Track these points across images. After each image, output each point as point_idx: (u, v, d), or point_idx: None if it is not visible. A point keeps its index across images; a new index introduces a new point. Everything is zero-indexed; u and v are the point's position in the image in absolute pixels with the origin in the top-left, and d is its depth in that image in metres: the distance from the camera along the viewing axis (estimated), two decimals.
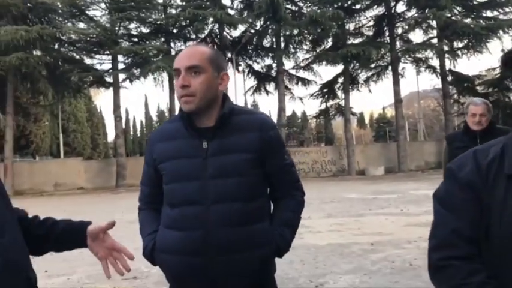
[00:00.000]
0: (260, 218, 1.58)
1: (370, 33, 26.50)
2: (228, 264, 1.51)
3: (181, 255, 1.52)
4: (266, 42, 26.81)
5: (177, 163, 1.56)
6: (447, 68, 25.66)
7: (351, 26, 26.43)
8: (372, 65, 26.39)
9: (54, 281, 4.99)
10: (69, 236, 1.36)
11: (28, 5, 22.45)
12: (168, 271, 1.61)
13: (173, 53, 25.38)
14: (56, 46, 24.38)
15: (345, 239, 6.54)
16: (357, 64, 25.79)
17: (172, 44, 26.12)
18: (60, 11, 23.63)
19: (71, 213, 12.33)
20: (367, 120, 68.77)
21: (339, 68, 26.15)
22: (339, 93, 27.32)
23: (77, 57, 25.27)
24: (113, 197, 18.39)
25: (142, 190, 1.75)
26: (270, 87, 28.23)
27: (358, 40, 26.19)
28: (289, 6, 25.90)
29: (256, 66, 28.33)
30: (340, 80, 26.81)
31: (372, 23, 26.38)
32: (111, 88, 24.74)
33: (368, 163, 25.34)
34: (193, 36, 26.14)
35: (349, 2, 24.60)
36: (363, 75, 27.45)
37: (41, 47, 22.73)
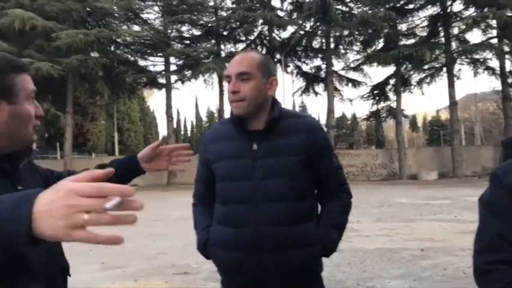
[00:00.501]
0: (307, 218, 1.63)
1: (424, 33, 25.63)
2: (275, 261, 1.57)
3: (232, 250, 1.61)
4: (315, 43, 26.66)
5: (229, 163, 1.64)
6: (507, 70, 24.36)
7: (403, 27, 25.71)
8: (426, 67, 25.50)
9: (110, 273, 5.22)
10: (125, 173, 1.49)
11: (87, 9, 23.60)
12: (218, 265, 1.70)
13: (223, 54, 25.81)
14: (112, 48, 25.46)
15: (394, 244, 6.39)
16: (410, 65, 25.03)
17: (222, 46, 26.57)
18: (116, 15, 24.65)
19: None
20: (420, 123, 66.50)
21: (391, 69, 25.53)
22: (391, 95, 26.63)
23: (132, 59, 26.25)
24: (164, 194, 18.95)
25: (196, 187, 1.85)
26: (319, 88, 28.05)
27: (411, 41, 25.42)
28: (339, 7, 25.59)
29: (305, 68, 28.25)
30: (392, 81, 26.13)
31: (425, 23, 25.52)
32: (163, 89, 25.49)
33: (420, 167, 24.52)
34: (243, 38, 26.45)
35: (401, 2, 23.92)
36: (415, 77, 26.60)
37: (98, 49, 23.83)
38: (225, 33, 26.03)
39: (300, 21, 24.52)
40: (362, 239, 6.91)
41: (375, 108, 27.64)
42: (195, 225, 1.80)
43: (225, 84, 1.70)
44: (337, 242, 1.68)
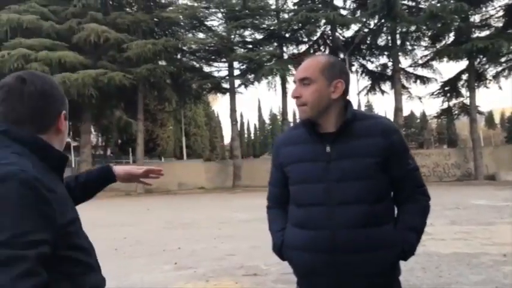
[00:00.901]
0: (384, 220, 1.61)
1: (500, 24, 23.99)
2: (353, 264, 1.56)
3: (308, 252, 1.60)
4: (381, 41, 25.91)
5: (302, 166, 1.65)
6: None
7: (476, 18, 24.22)
8: (503, 59, 23.83)
9: (182, 273, 5.37)
10: (101, 185, 1.66)
11: (155, 20, 24.67)
12: (295, 266, 1.70)
13: (285, 56, 25.83)
14: (179, 56, 26.42)
15: (472, 249, 6.01)
16: (484, 59, 23.56)
17: (284, 48, 26.61)
18: (182, 24, 25.54)
19: (193, 210, 13.22)
20: (497, 120, 62.35)
21: (463, 64, 24.16)
22: (463, 91, 25.23)
23: (197, 65, 27.07)
24: (230, 196, 19.26)
25: (270, 190, 1.86)
26: (386, 86, 27.23)
27: (485, 33, 23.88)
28: (405, 2, 24.68)
29: (370, 66, 27.56)
30: (464, 76, 24.73)
31: (501, 13, 23.87)
32: (227, 93, 26.00)
33: (499, 167, 22.95)
34: (305, 39, 26.31)
35: None
36: (491, 71, 24.93)
37: (166, 57, 24.82)
38: (287, 35, 26.06)
39: (364, 19, 23.95)
40: (436, 242, 6.57)
41: (446, 105, 26.37)
42: (270, 227, 1.81)
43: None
44: (416, 245, 1.65)
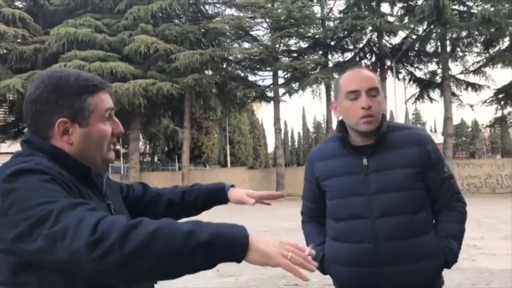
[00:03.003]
0: (425, 230, 1.63)
1: None
2: (396, 275, 1.58)
3: (351, 266, 1.63)
4: (429, 47, 25.16)
5: (340, 180, 1.67)
6: None
7: None
8: None
9: (225, 281, 5.46)
10: (209, 206, 1.51)
11: (202, 30, 25.25)
12: (337, 280, 1.72)
13: (330, 65, 25.64)
14: (224, 66, 26.84)
15: None
16: None
17: (329, 56, 26.43)
18: (228, 34, 25.97)
19: (236, 218, 13.34)
20: None
21: None
22: None
23: (242, 74, 27.39)
24: (273, 205, 19.21)
25: (305, 205, 1.88)
26: (435, 94, 26.35)
27: None
28: (456, 7, 23.90)
29: (419, 73, 26.80)
30: None
31: None
32: (271, 102, 26.12)
33: None
34: (351, 47, 26.02)
35: None
36: None
37: (212, 67, 25.29)
38: (332, 43, 25.89)
39: (412, 25, 23.40)
40: (487, 257, 6.30)
41: (500, 113, 25.22)
42: (306, 241, 1.82)
43: (342, 99, 1.67)
44: (458, 253, 1.66)
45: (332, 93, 1.77)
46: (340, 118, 1.73)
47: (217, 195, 1.50)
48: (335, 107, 1.74)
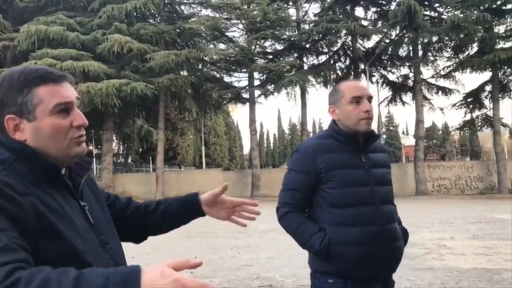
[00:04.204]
0: (395, 217, 2.04)
1: None
2: (392, 251, 1.92)
3: (360, 246, 1.86)
4: (402, 52, 25.74)
5: (348, 171, 1.92)
6: None
7: (500, 29, 23.85)
8: None
9: None
10: (184, 212, 1.46)
11: (177, 31, 25.06)
12: (349, 261, 1.87)
13: (305, 67, 25.86)
14: (200, 66, 26.71)
15: (494, 264, 5.89)
16: (508, 70, 23.16)
17: (304, 59, 26.66)
18: (203, 35, 25.87)
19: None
20: None
21: (486, 75, 23.80)
22: (486, 102, 24.83)
23: (218, 76, 27.32)
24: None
25: (293, 195, 1.99)
26: (407, 97, 26.93)
27: (509, 44, 23.49)
28: (427, 13, 24.49)
29: (391, 77, 27.34)
30: (488, 88, 24.34)
31: None
32: (247, 103, 26.15)
33: None
34: (326, 50, 26.33)
35: (498, 3, 22.23)
36: None
37: (187, 68, 25.13)
38: (307, 46, 26.12)
39: (385, 30, 23.85)
40: (457, 257, 6.46)
41: (469, 117, 25.97)
42: (299, 229, 1.93)
43: (344, 103, 1.96)
44: (408, 236, 2.09)
45: (328, 99, 1.96)
46: (333, 120, 2.02)
47: (188, 199, 1.47)
48: (333, 111, 2.00)
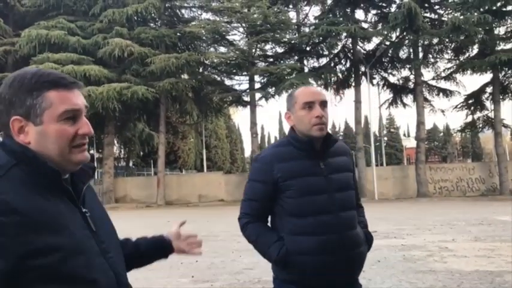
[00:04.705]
0: (357, 222, 1.98)
1: None
2: (354, 258, 1.88)
3: (319, 255, 1.83)
4: (402, 54, 25.79)
5: (305, 180, 1.87)
6: None
7: (501, 30, 23.88)
8: None
9: (200, 286, 5.41)
10: (154, 252, 1.46)
11: (178, 34, 25.12)
12: (304, 270, 1.84)
13: (306, 70, 25.89)
14: (201, 70, 26.77)
15: (496, 266, 5.87)
16: (509, 71, 23.17)
17: (305, 62, 26.68)
18: (204, 38, 25.93)
19: (212, 223, 13.25)
20: None
21: (487, 76, 23.83)
22: (488, 104, 24.83)
23: (218, 79, 27.37)
24: (228, 209, 19.18)
25: (251, 205, 1.99)
26: (407, 99, 26.96)
27: (510, 45, 23.50)
28: (427, 15, 24.53)
29: (392, 79, 27.38)
30: (489, 89, 24.35)
31: None
32: (248, 106, 26.17)
33: None
34: (326, 53, 26.35)
35: (498, 5, 22.25)
36: None
37: (188, 71, 25.19)
38: (308, 48, 26.16)
39: (386, 32, 23.89)
40: (458, 259, 6.44)
41: (470, 118, 25.97)
42: (259, 239, 1.94)
43: (297, 109, 1.92)
44: (373, 240, 2.06)
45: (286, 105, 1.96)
46: (291, 126, 1.98)
47: (158, 240, 1.46)
48: (288, 117, 1.98)
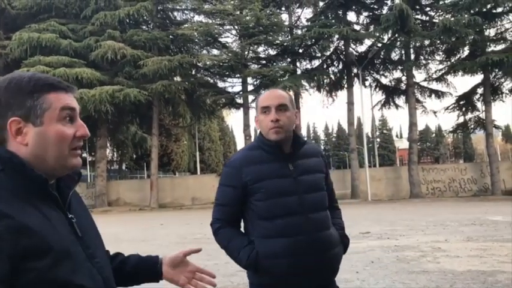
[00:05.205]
0: (330, 223, 1.99)
1: None
2: (326, 260, 1.88)
3: (289, 257, 1.82)
4: (394, 55, 25.93)
5: (274, 182, 1.88)
6: None
7: (491, 32, 24.11)
8: None
9: None
10: (142, 271, 1.36)
11: (170, 37, 25.08)
12: (275, 274, 1.84)
13: (299, 72, 25.96)
14: (193, 72, 26.73)
15: (488, 266, 5.91)
16: (500, 72, 23.38)
17: (298, 64, 26.75)
18: (196, 40, 25.91)
19: (206, 225, 13.24)
20: None
21: (478, 77, 24.04)
22: (479, 105, 25.05)
23: (211, 81, 27.35)
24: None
25: (222, 210, 2.00)
26: (400, 101, 27.11)
27: (500, 46, 23.73)
28: (419, 17, 24.71)
29: (384, 80, 27.51)
30: (480, 90, 24.56)
31: None
32: (241, 109, 26.17)
33: None
34: (319, 55, 26.44)
35: (488, 7, 22.46)
36: (507, 84, 24.71)
37: (181, 73, 25.15)
38: (300, 51, 26.22)
39: (377, 34, 24.02)
40: (451, 259, 6.48)
41: (461, 119, 26.17)
42: (230, 244, 1.95)
43: (258, 114, 1.98)
44: (349, 242, 2.08)
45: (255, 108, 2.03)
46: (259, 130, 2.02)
47: (146, 259, 1.39)
48: (256, 121, 2.02)
